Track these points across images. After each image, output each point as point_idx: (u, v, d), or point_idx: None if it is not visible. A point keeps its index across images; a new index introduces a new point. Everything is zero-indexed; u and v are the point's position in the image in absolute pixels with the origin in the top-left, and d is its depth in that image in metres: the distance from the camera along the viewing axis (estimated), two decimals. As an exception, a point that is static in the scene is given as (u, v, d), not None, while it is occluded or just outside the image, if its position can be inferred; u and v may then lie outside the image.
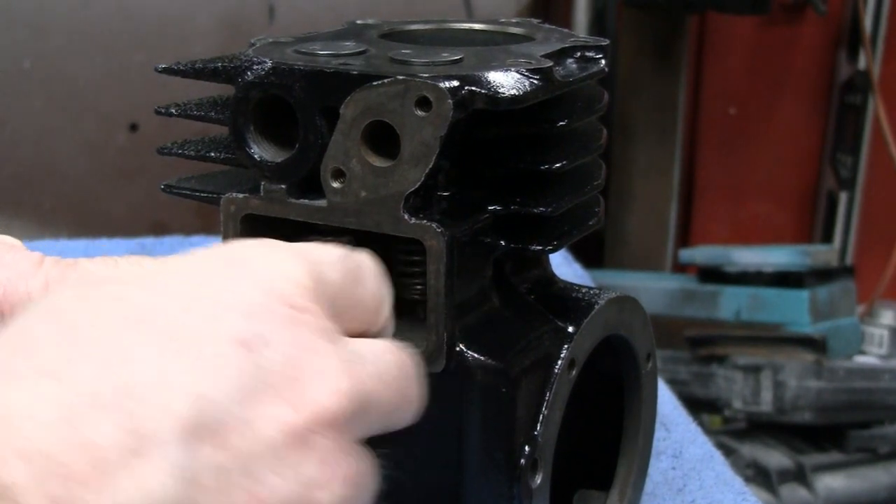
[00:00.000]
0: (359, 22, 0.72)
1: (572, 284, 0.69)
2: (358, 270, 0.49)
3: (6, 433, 0.36)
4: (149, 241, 1.38)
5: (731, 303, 2.26)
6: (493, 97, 0.56)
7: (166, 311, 0.41)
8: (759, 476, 2.01)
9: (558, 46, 0.64)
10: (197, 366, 0.39)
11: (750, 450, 2.06)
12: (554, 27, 0.71)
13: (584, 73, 0.64)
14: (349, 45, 0.62)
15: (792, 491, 2.01)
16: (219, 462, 0.38)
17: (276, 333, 0.42)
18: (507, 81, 0.57)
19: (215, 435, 0.38)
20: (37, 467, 0.35)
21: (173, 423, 0.38)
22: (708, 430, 1.43)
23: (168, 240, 1.39)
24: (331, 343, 0.44)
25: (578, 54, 0.65)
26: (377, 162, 0.56)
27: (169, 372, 0.39)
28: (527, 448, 0.60)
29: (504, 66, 0.58)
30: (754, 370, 2.12)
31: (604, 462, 0.74)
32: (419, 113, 0.54)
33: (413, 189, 0.55)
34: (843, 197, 2.64)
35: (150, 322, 0.40)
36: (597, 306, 0.65)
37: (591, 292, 0.67)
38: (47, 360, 0.38)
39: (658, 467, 0.87)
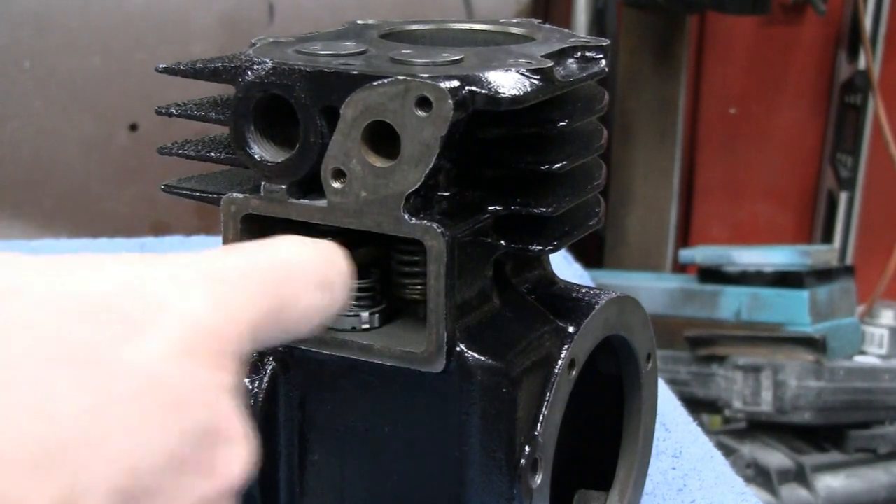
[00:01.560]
0: (359, 22, 0.72)
1: (572, 284, 0.69)
2: (292, 297, 0.45)
3: None
4: (149, 240, 1.38)
5: (731, 303, 2.26)
6: (494, 97, 0.56)
7: (98, 353, 0.38)
8: (759, 476, 2.01)
9: (559, 47, 0.64)
10: (129, 429, 0.37)
11: (750, 450, 2.06)
12: (554, 27, 0.71)
13: (585, 74, 0.64)
14: (350, 46, 0.62)
15: (792, 491, 2.01)
16: None
17: (200, 398, 0.40)
18: (507, 82, 0.57)
19: (137, 501, 0.37)
20: None
21: (103, 489, 0.36)
22: (708, 430, 1.43)
23: (168, 239, 1.39)
24: (239, 406, 0.42)
25: (579, 54, 0.65)
26: (377, 162, 0.56)
27: (103, 433, 0.36)
28: (527, 448, 0.60)
29: (504, 67, 0.58)
30: (754, 370, 2.12)
31: (604, 462, 0.74)
32: (419, 113, 0.54)
33: (413, 189, 0.55)
34: (843, 197, 2.64)
35: (84, 364, 0.37)
36: (597, 306, 0.65)
37: (592, 292, 0.67)
38: None
39: (658, 467, 0.87)
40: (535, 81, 0.58)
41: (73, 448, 0.35)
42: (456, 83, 0.55)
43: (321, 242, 0.48)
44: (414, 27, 0.71)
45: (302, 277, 0.46)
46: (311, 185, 0.58)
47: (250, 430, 0.42)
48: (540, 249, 0.62)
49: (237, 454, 0.41)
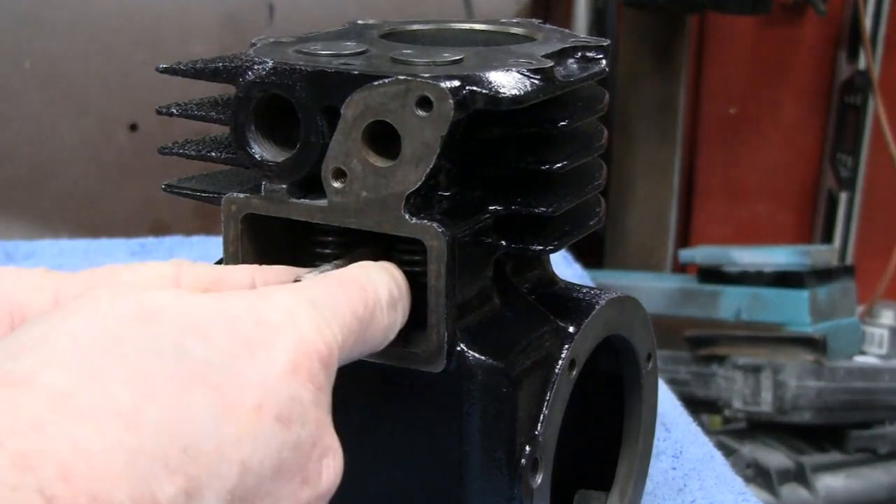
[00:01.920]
0: (359, 22, 0.72)
1: (573, 284, 0.69)
2: (370, 317, 0.51)
3: (79, 474, 0.37)
4: (149, 240, 1.38)
5: (731, 303, 2.26)
6: (494, 97, 0.56)
7: (222, 372, 0.43)
8: (759, 476, 2.01)
9: (559, 47, 0.64)
10: (246, 436, 0.42)
11: (750, 450, 2.06)
12: (554, 27, 0.71)
13: (585, 74, 0.64)
14: (350, 45, 0.62)
15: (792, 491, 2.01)
16: None
17: (305, 413, 0.45)
18: (507, 81, 0.57)
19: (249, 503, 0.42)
20: None
21: (220, 490, 0.40)
22: (708, 430, 1.43)
23: (168, 240, 1.38)
24: (331, 418, 0.47)
25: (579, 54, 0.65)
26: (378, 162, 0.56)
27: (224, 439, 0.41)
28: (527, 448, 0.60)
29: (505, 67, 0.58)
30: (754, 370, 2.12)
31: (604, 462, 0.74)
32: (420, 113, 0.54)
33: (414, 189, 0.55)
34: (843, 197, 2.64)
35: (209, 380, 0.42)
36: (597, 306, 0.65)
37: (592, 292, 0.67)
38: (119, 402, 0.40)
39: (658, 467, 0.87)
40: (536, 81, 0.58)
41: (198, 450, 0.40)
42: (456, 83, 0.55)
43: (387, 265, 0.55)
44: (414, 27, 0.71)
45: (379, 300, 0.52)
46: (311, 185, 0.58)
47: (338, 440, 0.47)
48: (540, 249, 0.62)
49: (332, 465, 0.46)
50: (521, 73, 0.57)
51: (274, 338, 0.45)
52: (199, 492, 0.40)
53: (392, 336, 0.54)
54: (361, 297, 0.51)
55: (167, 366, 0.42)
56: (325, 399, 0.47)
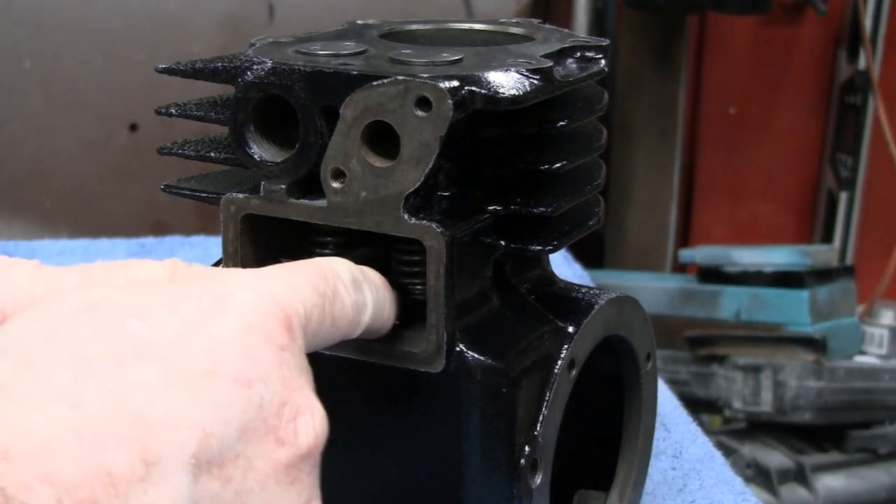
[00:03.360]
0: (359, 22, 0.72)
1: (572, 284, 0.69)
2: (333, 293, 0.51)
3: (30, 459, 0.37)
4: (149, 240, 1.38)
5: (731, 303, 2.26)
6: (493, 97, 0.56)
7: (167, 345, 0.43)
8: (759, 476, 2.01)
9: (558, 46, 0.64)
10: (201, 400, 0.42)
11: (750, 450, 2.06)
12: (554, 27, 0.71)
13: (584, 74, 0.64)
14: (349, 45, 0.62)
15: (792, 491, 2.01)
16: (217, 492, 0.41)
17: (267, 373, 0.44)
18: (507, 81, 0.57)
19: (216, 467, 0.41)
20: (60, 493, 0.37)
21: (181, 455, 0.40)
22: (708, 430, 1.43)
23: (168, 240, 1.39)
24: (307, 381, 0.47)
25: (578, 54, 0.65)
26: (377, 162, 0.56)
27: (177, 405, 0.41)
28: (527, 448, 0.60)
29: (504, 67, 0.58)
30: (754, 370, 2.12)
31: (604, 462, 0.74)
32: (419, 113, 0.54)
33: (413, 189, 0.55)
34: (843, 197, 2.64)
35: (153, 354, 0.42)
36: (597, 306, 0.65)
37: (591, 292, 0.67)
38: (59, 384, 0.40)
39: (658, 467, 0.87)
40: (535, 81, 0.58)
41: (150, 419, 0.40)
42: (455, 83, 0.55)
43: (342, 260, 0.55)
44: (414, 27, 0.71)
45: (339, 276, 0.52)
46: (310, 185, 0.58)
47: (319, 402, 0.47)
48: (540, 249, 0.62)
49: (310, 424, 0.46)
50: (521, 73, 0.57)
51: (225, 306, 0.45)
52: (158, 459, 0.39)
53: (365, 319, 0.54)
54: (319, 274, 0.51)
55: (109, 347, 0.42)
56: (293, 359, 0.46)
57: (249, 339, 0.45)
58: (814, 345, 2.13)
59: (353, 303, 0.52)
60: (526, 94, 0.57)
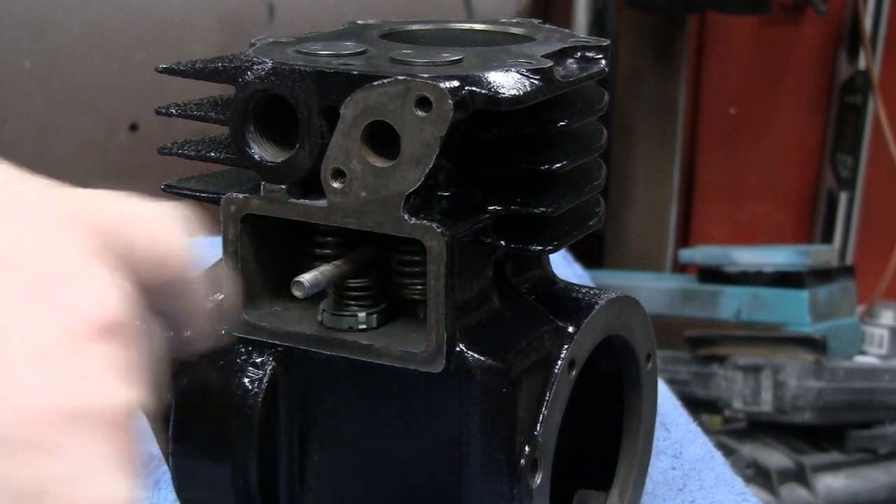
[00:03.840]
0: (359, 22, 0.72)
1: (572, 285, 0.69)
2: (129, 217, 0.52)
3: None
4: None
5: (731, 303, 2.26)
6: (494, 97, 0.56)
7: None
8: (759, 476, 2.01)
9: (558, 47, 0.64)
10: None
11: (750, 450, 2.06)
12: (554, 27, 0.71)
13: (584, 74, 0.64)
14: (350, 45, 0.62)
15: (792, 491, 2.01)
16: None
17: (28, 251, 0.43)
18: (507, 82, 0.57)
19: None
20: None
21: None
22: (708, 430, 1.43)
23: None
24: (86, 256, 0.45)
25: (578, 54, 0.65)
26: (377, 162, 0.56)
27: None
28: (527, 448, 0.60)
29: (504, 67, 0.58)
30: (754, 370, 2.12)
31: (604, 462, 0.74)
32: (419, 113, 0.54)
33: (413, 189, 0.55)
34: (843, 197, 2.64)
35: None
36: (597, 306, 0.65)
37: (592, 292, 0.67)
38: None
39: (658, 467, 0.87)
40: (535, 81, 0.58)
41: None
42: (456, 83, 0.55)
43: None
44: (414, 27, 0.71)
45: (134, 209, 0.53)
46: (310, 185, 0.58)
47: (107, 272, 0.44)
48: (540, 249, 0.62)
49: (86, 287, 0.43)
50: (521, 74, 0.57)
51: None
52: None
53: (175, 256, 0.53)
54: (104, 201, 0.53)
55: None
56: (63, 238, 0.45)
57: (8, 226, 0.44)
58: (814, 345, 2.13)
59: (160, 234, 0.53)
60: (526, 94, 0.57)
